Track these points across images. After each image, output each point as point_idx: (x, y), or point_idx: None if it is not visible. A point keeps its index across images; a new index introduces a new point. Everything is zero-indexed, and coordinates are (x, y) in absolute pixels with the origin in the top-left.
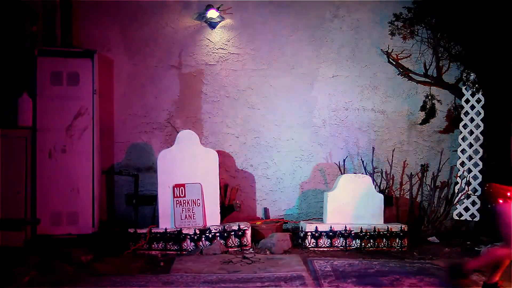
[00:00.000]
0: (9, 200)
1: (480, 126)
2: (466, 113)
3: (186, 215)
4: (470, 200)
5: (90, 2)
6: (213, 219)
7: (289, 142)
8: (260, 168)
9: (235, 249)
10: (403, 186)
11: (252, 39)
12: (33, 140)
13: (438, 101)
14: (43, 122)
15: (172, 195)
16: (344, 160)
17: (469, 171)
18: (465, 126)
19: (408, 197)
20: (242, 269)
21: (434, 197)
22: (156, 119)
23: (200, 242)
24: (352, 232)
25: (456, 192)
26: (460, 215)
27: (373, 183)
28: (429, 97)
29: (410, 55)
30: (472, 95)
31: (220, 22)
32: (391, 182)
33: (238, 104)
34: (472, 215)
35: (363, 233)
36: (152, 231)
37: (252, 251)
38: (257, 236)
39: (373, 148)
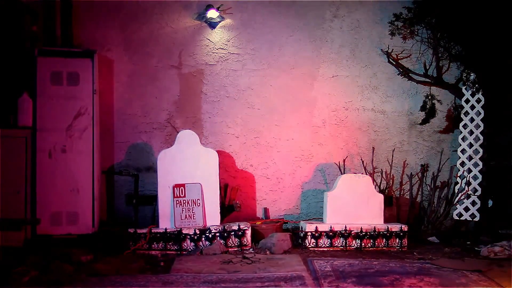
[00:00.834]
0: (9, 200)
1: (480, 126)
2: (466, 113)
3: (186, 215)
4: (470, 200)
5: (90, 2)
6: (213, 219)
7: (289, 142)
8: (260, 168)
9: (235, 249)
10: (403, 186)
11: (252, 39)
12: (33, 140)
13: (438, 101)
14: (43, 122)
15: (172, 195)
16: (344, 160)
17: (469, 171)
18: (465, 126)
19: (408, 197)
20: (242, 269)
21: (434, 197)
22: (156, 119)
23: (200, 242)
24: (352, 232)
25: (456, 192)
26: (460, 215)
27: (373, 183)
28: (429, 97)
29: (410, 55)
30: (472, 95)
31: (220, 22)
32: (391, 182)
33: (238, 104)
34: (472, 215)
35: (363, 233)
36: (152, 231)
37: (252, 251)
38: (257, 236)
39: (373, 148)
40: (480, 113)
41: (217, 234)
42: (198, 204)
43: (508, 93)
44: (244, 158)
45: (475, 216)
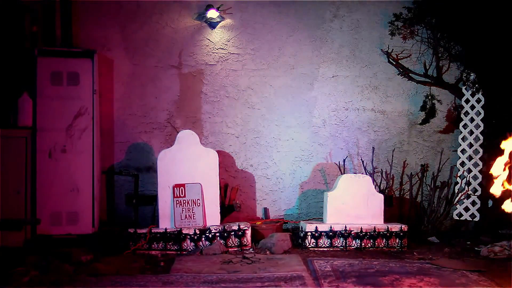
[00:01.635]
0: (9, 200)
1: (480, 126)
2: (466, 113)
3: (186, 215)
4: (470, 200)
5: (90, 2)
6: (213, 219)
7: (289, 142)
8: (260, 168)
9: (235, 249)
10: (403, 186)
11: (252, 39)
12: (33, 140)
13: (438, 101)
14: (43, 122)
15: (172, 195)
16: (344, 160)
17: (469, 171)
18: (465, 126)
19: (408, 197)
20: (242, 269)
21: (434, 197)
22: (156, 119)
23: (200, 242)
24: (352, 232)
25: (456, 192)
26: (460, 215)
27: (373, 183)
28: (429, 97)
29: (410, 55)
30: (472, 95)
31: (220, 22)
32: (391, 182)
33: (238, 104)
34: (472, 215)
35: (363, 233)
36: (152, 231)
37: (252, 251)
38: (257, 236)
39: (373, 148)
40: (480, 113)
41: (217, 234)
42: (198, 204)
43: (508, 93)
44: (244, 158)
45: (475, 216)
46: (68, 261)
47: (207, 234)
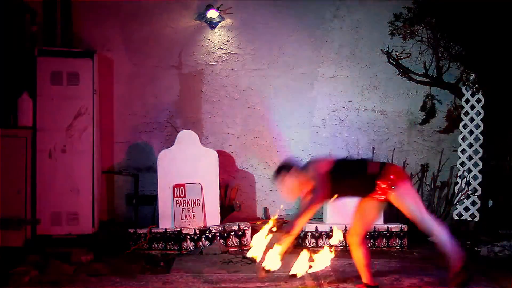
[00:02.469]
0: (9, 200)
1: (480, 126)
2: (466, 113)
3: (186, 215)
4: (470, 200)
5: (90, 2)
6: (213, 219)
7: (289, 142)
8: (260, 168)
9: (235, 249)
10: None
11: (252, 39)
12: (33, 140)
13: (438, 101)
14: (43, 122)
15: (172, 195)
16: None
17: (469, 171)
18: (465, 126)
19: None
20: (242, 269)
21: (434, 197)
22: (156, 119)
23: (200, 242)
24: None
25: (456, 192)
26: (460, 215)
27: None
28: (429, 97)
29: (410, 55)
30: (472, 95)
31: (220, 22)
32: None
33: (238, 104)
34: (472, 215)
35: None
36: (152, 231)
37: None
38: None
39: (373, 148)
40: (480, 113)
41: (217, 234)
42: (198, 204)
43: (508, 93)
44: (244, 158)
45: (475, 216)
46: (68, 261)
47: (207, 234)
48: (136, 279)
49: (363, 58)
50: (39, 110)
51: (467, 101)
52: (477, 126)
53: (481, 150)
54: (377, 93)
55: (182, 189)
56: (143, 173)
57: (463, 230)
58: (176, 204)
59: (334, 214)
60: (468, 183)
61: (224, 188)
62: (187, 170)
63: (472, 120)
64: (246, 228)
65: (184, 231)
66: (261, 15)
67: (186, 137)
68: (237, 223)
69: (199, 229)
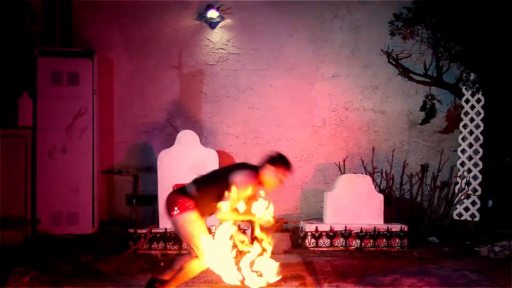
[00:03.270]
0: (9, 200)
1: (480, 126)
2: (466, 113)
3: None
4: (470, 200)
5: (90, 2)
6: (213, 219)
7: (289, 142)
8: None
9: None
10: (403, 186)
11: (252, 39)
12: (33, 140)
13: (438, 101)
14: (43, 122)
15: None
16: (344, 160)
17: (469, 171)
18: (465, 126)
19: (408, 197)
20: None
21: (434, 197)
22: (156, 119)
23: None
24: (352, 232)
25: (456, 192)
26: (460, 215)
27: (373, 183)
28: (429, 97)
29: (410, 55)
30: (472, 95)
31: (220, 22)
32: (391, 182)
33: (238, 104)
34: (472, 215)
35: (363, 233)
36: (152, 231)
37: None
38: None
39: (373, 148)
40: (480, 113)
41: None
42: None
43: (508, 93)
44: (244, 158)
45: (475, 216)
46: (68, 261)
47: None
48: (136, 279)
49: (363, 58)
50: (39, 110)
51: (467, 101)
52: (477, 126)
53: (481, 150)
54: (377, 93)
55: None
56: (143, 173)
57: (463, 230)
58: None
59: (334, 214)
60: (468, 183)
61: None
62: (187, 170)
63: (472, 120)
64: (246, 228)
65: None
66: (261, 15)
67: (186, 137)
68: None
69: None
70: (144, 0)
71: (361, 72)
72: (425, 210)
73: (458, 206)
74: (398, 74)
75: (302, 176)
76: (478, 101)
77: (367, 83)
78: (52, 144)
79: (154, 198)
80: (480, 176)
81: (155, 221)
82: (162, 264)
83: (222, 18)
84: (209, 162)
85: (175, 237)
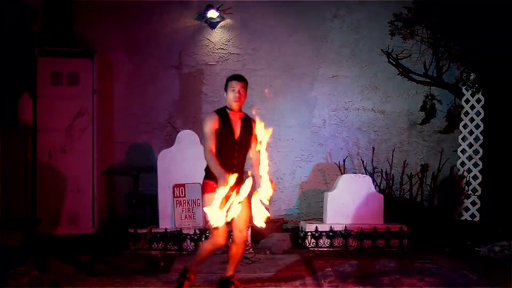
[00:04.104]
0: (9, 200)
1: (480, 126)
2: (466, 113)
3: (186, 215)
4: (470, 200)
5: (90, 2)
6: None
7: (289, 142)
8: None
9: None
10: (403, 186)
11: (252, 39)
12: (33, 140)
13: (438, 101)
14: (43, 122)
15: (172, 195)
16: (344, 160)
17: (469, 171)
18: (465, 126)
19: (408, 197)
20: (242, 269)
21: (434, 197)
22: (156, 119)
23: (200, 242)
24: (352, 232)
25: (456, 192)
26: (460, 215)
27: (373, 183)
28: (429, 97)
29: (410, 55)
30: (472, 95)
31: (220, 22)
32: (391, 182)
33: None
34: (472, 215)
35: (363, 233)
36: (152, 231)
37: (252, 251)
38: (257, 236)
39: (373, 148)
40: (480, 113)
41: None
42: (198, 204)
43: (508, 93)
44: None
45: (475, 216)
46: (68, 261)
47: (207, 234)
48: (136, 279)
49: (363, 58)
50: (39, 110)
51: (467, 101)
52: (477, 126)
53: (481, 150)
54: (377, 93)
55: (182, 189)
56: (143, 173)
57: (463, 230)
58: (176, 204)
59: (334, 214)
60: (468, 183)
61: None
62: (187, 170)
63: (472, 120)
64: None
65: (184, 231)
66: (261, 15)
67: (186, 137)
68: None
69: (199, 229)
70: (144, 0)
71: (361, 72)
72: (425, 210)
73: (458, 206)
74: (398, 74)
75: (302, 176)
76: (478, 101)
77: (367, 83)
78: (52, 144)
79: (154, 198)
80: (480, 176)
81: (155, 221)
82: (162, 264)
83: (222, 18)
84: None
85: (175, 237)
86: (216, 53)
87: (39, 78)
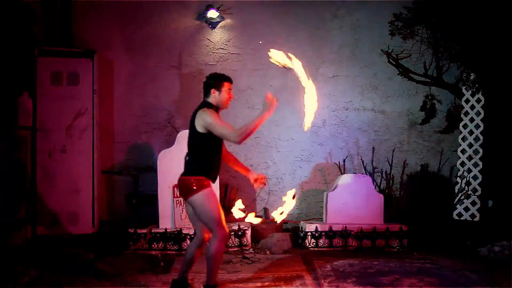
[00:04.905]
0: (9, 200)
1: (480, 126)
2: (466, 113)
3: (186, 215)
4: (470, 200)
5: (90, 2)
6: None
7: (289, 142)
8: (260, 168)
9: (235, 249)
10: (403, 186)
11: (252, 39)
12: (33, 140)
13: (438, 101)
14: (43, 122)
15: (172, 195)
16: (344, 160)
17: (469, 171)
18: (465, 126)
19: (408, 197)
20: (242, 269)
21: (434, 197)
22: (156, 119)
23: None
24: (352, 232)
25: (456, 192)
26: (460, 215)
27: (373, 183)
28: (429, 97)
29: (410, 55)
30: (472, 95)
31: (220, 22)
32: (391, 182)
33: (238, 104)
34: (472, 215)
35: (363, 233)
36: (152, 231)
37: (252, 251)
38: (257, 236)
39: (373, 148)
40: (480, 113)
41: None
42: None
43: (508, 93)
44: (244, 158)
45: (475, 216)
46: (68, 261)
47: None
48: (136, 279)
49: (363, 58)
50: (39, 110)
51: (467, 101)
52: (477, 126)
53: (481, 150)
54: (377, 93)
55: None
56: (143, 173)
57: (463, 230)
58: (176, 204)
59: (334, 214)
60: (468, 183)
61: (224, 188)
62: None
63: (472, 120)
64: (246, 228)
65: (184, 231)
66: (261, 15)
67: (186, 137)
68: (237, 223)
69: None
70: (144, 0)
71: (361, 72)
72: (425, 210)
73: (458, 206)
74: (398, 74)
75: (302, 176)
76: (478, 101)
77: (367, 83)
78: (52, 144)
79: (154, 198)
80: (480, 176)
81: (155, 221)
82: (162, 264)
83: (222, 18)
84: None
85: (175, 237)
86: (216, 53)
87: (39, 78)
